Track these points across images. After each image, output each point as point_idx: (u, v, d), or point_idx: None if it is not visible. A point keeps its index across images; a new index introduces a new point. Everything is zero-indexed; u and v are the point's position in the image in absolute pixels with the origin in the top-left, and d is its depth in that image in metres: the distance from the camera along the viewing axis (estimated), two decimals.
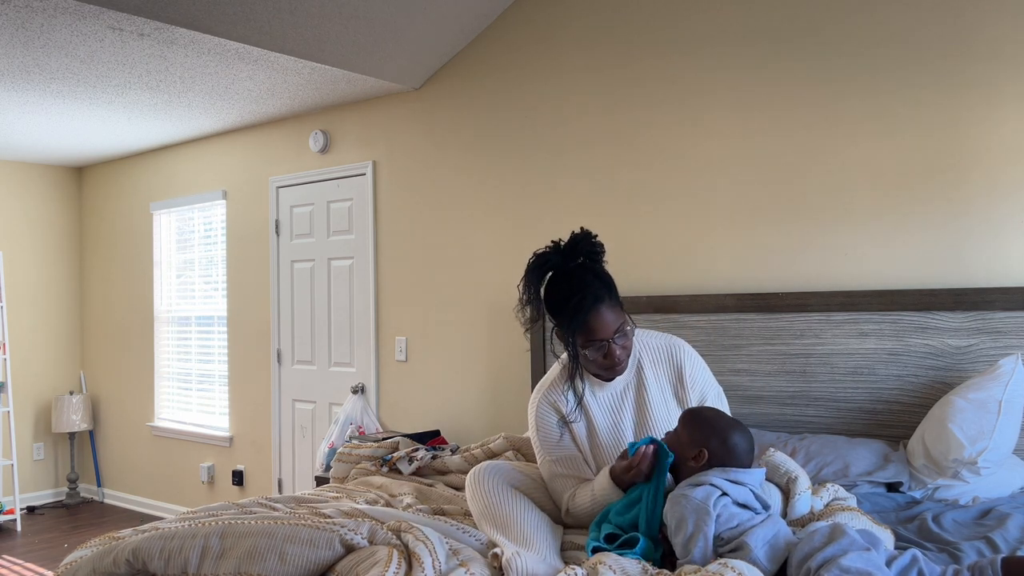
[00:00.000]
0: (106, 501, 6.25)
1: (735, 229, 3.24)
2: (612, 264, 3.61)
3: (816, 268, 3.05)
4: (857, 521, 1.93)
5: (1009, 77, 2.68)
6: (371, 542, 1.71)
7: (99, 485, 6.29)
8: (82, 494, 6.39)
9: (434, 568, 1.61)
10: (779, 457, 2.18)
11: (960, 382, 2.66)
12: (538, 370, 3.69)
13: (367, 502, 2.54)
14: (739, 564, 1.58)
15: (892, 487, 2.48)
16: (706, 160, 3.32)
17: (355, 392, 4.47)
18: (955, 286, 2.76)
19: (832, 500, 2.14)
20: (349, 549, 1.70)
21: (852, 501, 2.17)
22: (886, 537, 1.89)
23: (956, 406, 2.44)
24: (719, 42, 3.28)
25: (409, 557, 1.63)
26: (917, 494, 2.45)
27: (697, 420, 1.95)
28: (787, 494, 2.06)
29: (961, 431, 2.37)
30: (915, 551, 1.66)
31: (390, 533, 1.72)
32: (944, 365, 2.73)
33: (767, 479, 2.12)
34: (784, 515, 2.03)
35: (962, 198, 2.77)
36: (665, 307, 3.33)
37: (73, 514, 5.94)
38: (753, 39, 3.20)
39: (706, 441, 1.89)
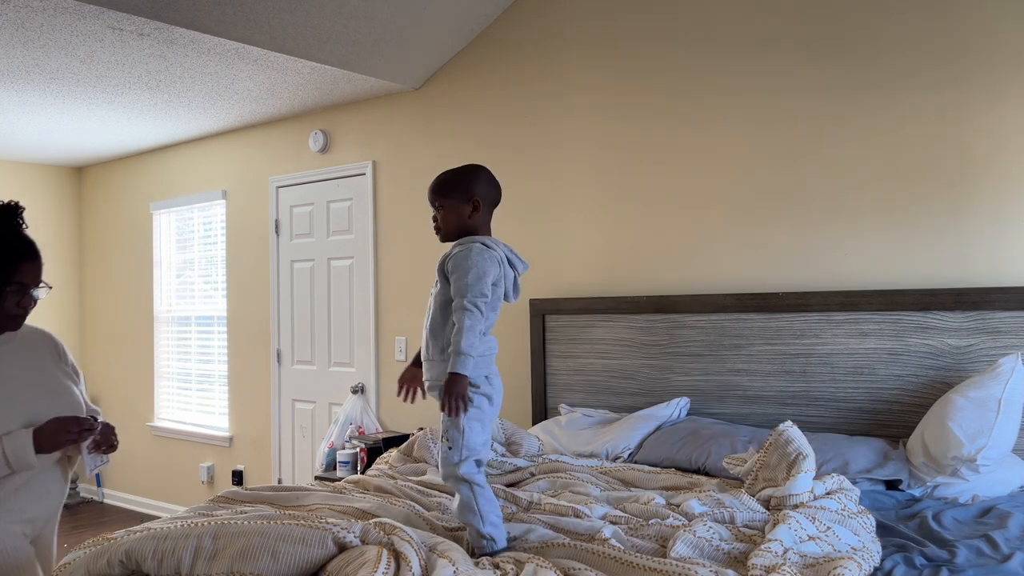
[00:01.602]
0: (106, 501, 6.25)
1: (735, 229, 3.24)
2: (612, 264, 3.62)
3: (816, 268, 3.05)
4: (809, 525, 1.90)
5: (1009, 78, 2.69)
6: (364, 541, 1.72)
7: (99, 485, 6.29)
8: (82, 494, 6.39)
9: (421, 566, 1.62)
10: (794, 432, 2.20)
11: (960, 381, 2.66)
12: (538, 369, 3.69)
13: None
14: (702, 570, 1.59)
15: (891, 485, 2.48)
16: (707, 160, 3.32)
17: (355, 392, 4.46)
18: (955, 286, 2.77)
19: (836, 489, 2.15)
20: (342, 547, 1.70)
21: (855, 494, 2.18)
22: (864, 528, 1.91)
23: (956, 404, 2.44)
24: (719, 43, 3.28)
25: (397, 557, 1.63)
26: (916, 492, 2.45)
27: (450, 180, 2.19)
28: (790, 469, 2.10)
29: (960, 429, 2.37)
30: None
31: (382, 533, 1.72)
32: (944, 365, 2.73)
33: (775, 446, 2.18)
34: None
35: (962, 198, 2.77)
36: (665, 307, 3.33)
37: (73, 514, 5.94)
38: (754, 41, 3.20)
39: (472, 188, 2.16)
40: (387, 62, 4.01)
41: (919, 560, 1.82)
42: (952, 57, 2.78)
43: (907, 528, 2.09)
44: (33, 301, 2.12)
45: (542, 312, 3.69)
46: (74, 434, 2.02)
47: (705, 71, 3.32)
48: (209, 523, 1.80)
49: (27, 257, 2.09)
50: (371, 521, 1.79)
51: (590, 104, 3.66)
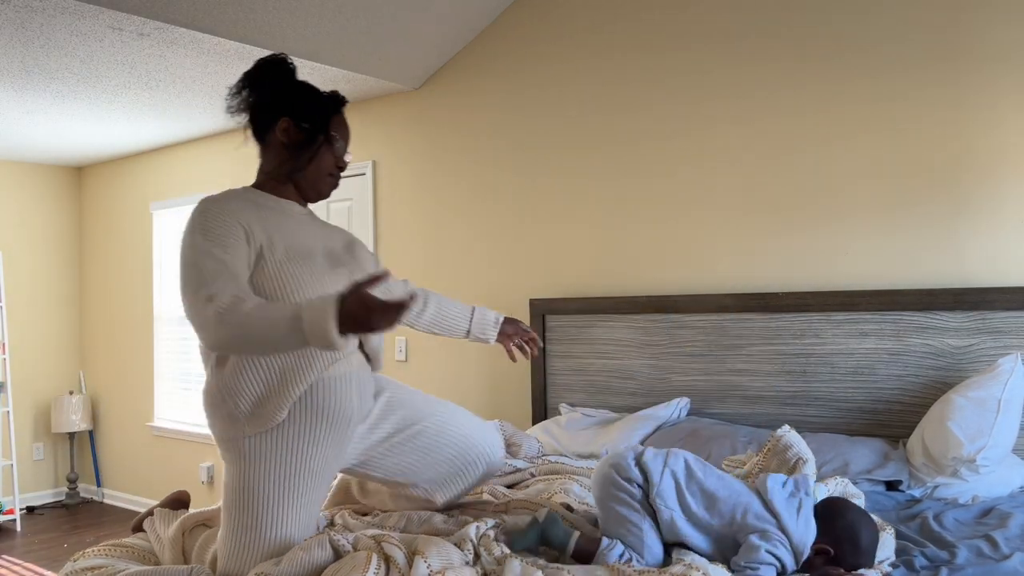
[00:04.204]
0: (106, 501, 6.25)
1: (735, 229, 3.24)
2: (612, 264, 3.62)
3: (816, 268, 3.05)
4: None
5: (1009, 77, 2.69)
6: (355, 548, 1.75)
7: (99, 485, 6.29)
8: (82, 494, 6.39)
9: (407, 565, 1.65)
10: (792, 437, 2.19)
11: (960, 381, 2.66)
12: (538, 369, 3.69)
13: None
14: (704, 564, 1.58)
15: (891, 485, 2.48)
16: (706, 160, 3.32)
17: None
18: (955, 286, 2.77)
19: (840, 495, 2.15)
20: (338, 553, 1.73)
21: (861, 500, 2.18)
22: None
23: (955, 404, 2.44)
24: (720, 42, 3.28)
25: (387, 560, 1.65)
26: (916, 492, 2.45)
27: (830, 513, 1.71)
28: (790, 474, 2.10)
29: (960, 429, 2.37)
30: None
31: (372, 540, 1.75)
32: (944, 365, 2.73)
33: (773, 452, 2.16)
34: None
35: (962, 198, 2.77)
36: (665, 307, 3.33)
37: (73, 514, 5.94)
38: (754, 39, 3.20)
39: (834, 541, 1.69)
40: (387, 62, 4.01)
41: (919, 561, 1.82)
42: (951, 56, 2.78)
43: (907, 529, 2.09)
44: (347, 162, 1.89)
45: (542, 312, 3.69)
46: (391, 316, 1.46)
47: (706, 71, 3.32)
48: None
49: (337, 108, 1.89)
50: (362, 531, 1.82)
51: (590, 104, 3.66)
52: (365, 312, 1.47)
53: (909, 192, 2.86)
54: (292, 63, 1.91)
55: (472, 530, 1.75)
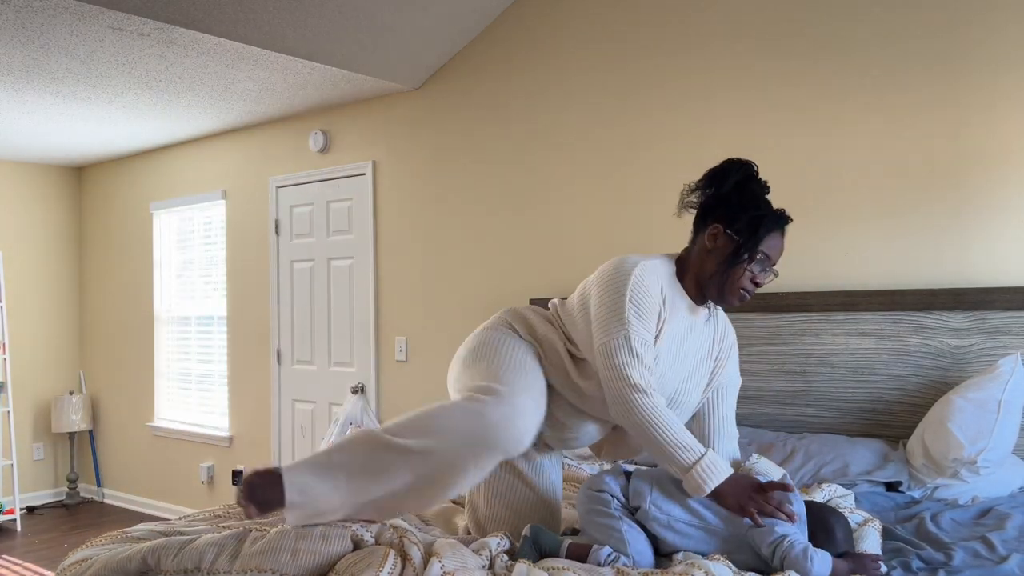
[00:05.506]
0: (106, 501, 6.25)
1: None
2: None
3: (816, 268, 3.05)
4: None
5: (1009, 78, 2.68)
6: (377, 541, 1.75)
7: (99, 485, 6.29)
8: (82, 494, 6.39)
9: (421, 565, 1.65)
10: (762, 466, 2.17)
11: (960, 382, 2.65)
12: None
13: None
14: (706, 563, 1.58)
15: (891, 487, 2.48)
16: (706, 160, 3.32)
17: (355, 392, 4.46)
18: (955, 286, 2.76)
19: (829, 500, 2.14)
20: (357, 545, 1.73)
21: (850, 499, 2.18)
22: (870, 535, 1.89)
23: (955, 406, 2.44)
24: (719, 42, 3.28)
25: (404, 558, 1.65)
26: (916, 493, 2.45)
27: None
28: None
29: (960, 431, 2.37)
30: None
31: (395, 534, 1.75)
32: (944, 365, 2.73)
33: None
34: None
35: (962, 198, 2.77)
36: None
37: (73, 514, 5.94)
38: (753, 40, 3.19)
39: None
40: (387, 62, 4.01)
41: (916, 563, 1.82)
42: (952, 56, 2.78)
43: (904, 530, 2.08)
44: (767, 281, 1.88)
45: None
46: (753, 506, 1.66)
47: (706, 71, 3.32)
48: (241, 527, 1.86)
49: (779, 228, 1.85)
50: (386, 522, 1.82)
51: (590, 103, 3.66)
52: (743, 499, 1.67)
53: (909, 192, 2.86)
54: (755, 169, 1.89)
55: (494, 542, 1.78)
